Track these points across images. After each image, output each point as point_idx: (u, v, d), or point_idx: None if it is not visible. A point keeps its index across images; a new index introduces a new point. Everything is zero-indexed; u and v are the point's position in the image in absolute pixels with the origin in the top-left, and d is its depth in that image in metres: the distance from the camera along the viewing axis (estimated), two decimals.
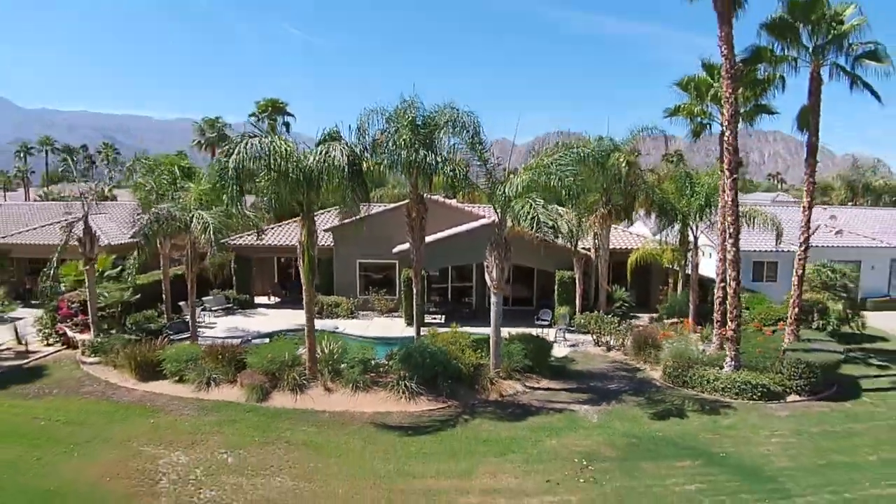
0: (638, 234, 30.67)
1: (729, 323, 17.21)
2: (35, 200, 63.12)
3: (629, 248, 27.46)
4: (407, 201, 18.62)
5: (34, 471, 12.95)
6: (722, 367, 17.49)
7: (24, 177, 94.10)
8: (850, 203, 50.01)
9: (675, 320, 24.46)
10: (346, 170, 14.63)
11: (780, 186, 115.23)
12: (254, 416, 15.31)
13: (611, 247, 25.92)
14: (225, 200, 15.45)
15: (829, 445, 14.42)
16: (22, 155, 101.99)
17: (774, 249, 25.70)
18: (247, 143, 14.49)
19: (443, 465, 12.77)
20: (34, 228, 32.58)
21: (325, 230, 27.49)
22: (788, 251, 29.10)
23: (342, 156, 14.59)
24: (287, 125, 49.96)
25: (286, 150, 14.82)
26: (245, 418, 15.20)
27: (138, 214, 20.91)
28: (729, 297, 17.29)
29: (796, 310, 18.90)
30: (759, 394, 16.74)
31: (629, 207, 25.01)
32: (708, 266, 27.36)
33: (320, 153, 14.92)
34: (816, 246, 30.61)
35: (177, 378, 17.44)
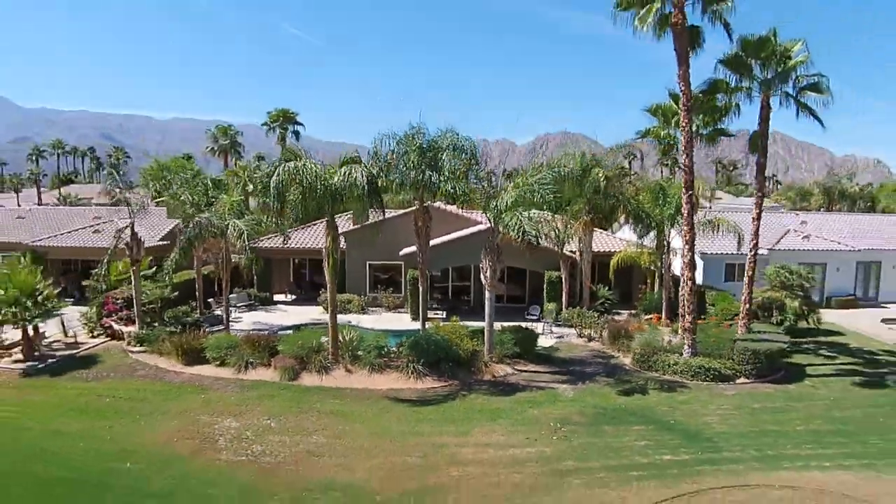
0: (623, 239, 33.69)
1: (686, 316, 20.31)
2: (56, 204, 66.12)
3: (612, 250, 30.49)
4: (411, 209, 21.67)
5: (108, 436, 15.69)
6: (681, 354, 20.57)
7: (37, 179, 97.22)
8: (821, 209, 53.17)
9: (650, 315, 27.52)
10: (365, 188, 17.71)
11: (776, 189, 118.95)
12: (288, 392, 18.39)
13: (596, 250, 29.01)
14: (265, 203, 18.54)
15: (765, 418, 17.35)
16: (34, 158, 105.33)
17: (741, 253, 28.50)
18: (284, 167, 17.60)
19: (445, 428, 15.89)
20: (67, 232, 35.45)
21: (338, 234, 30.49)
22: (758, 254, 32.16)
23: (362, 176, 17.69)
24: (297, 133, 53.12)
25: (316, 171, 17.91)
26: (280, 394, 18.27)
27: (183, 224, 23.78)
28: (686, 294, 20.37)
29: (747, 306, 21.98)
30: (712, 376, 19.80)
31: (610, 215, 28.05)
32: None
33: (344, 174, 18.01)
34: (786, 249, 33.72)
35: (218, 362, 20.48)
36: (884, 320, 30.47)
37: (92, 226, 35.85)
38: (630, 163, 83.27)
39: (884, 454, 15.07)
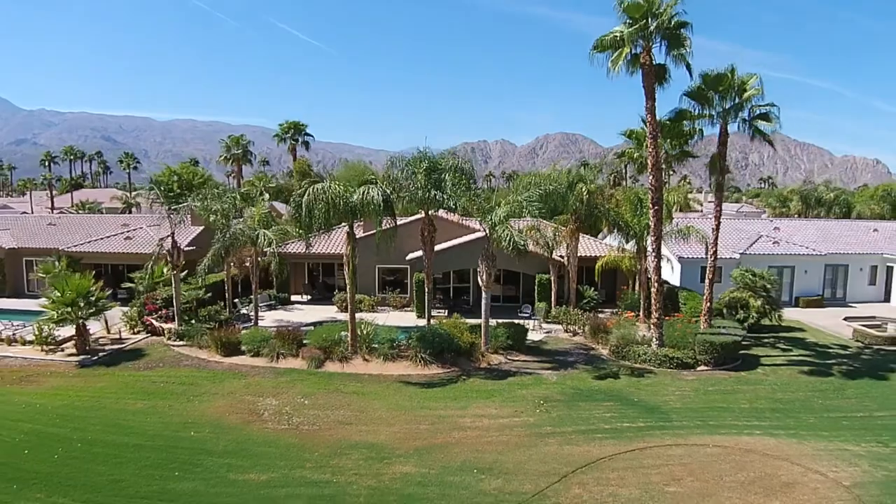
0: (608, 244, 37.04)
1: (654, 313, 23.73)
2: (74, 208, 69.35)
3: (597, 255, 33.87)
4: (416, 217, 24.94)
5: (169, 412, 18.87)
6: (650, 346, 23.96)
7: (50, 184, 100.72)
8: (798, 214, 56.68)
9: (630, 314, 30.89)
10: (381, 205, 21.15)
11: (773, 190, 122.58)
12: (315, 377, 21.80)
13: (582, 254, 32.38)
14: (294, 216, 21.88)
15: (715, 398, 20.60)
16: (47, 163, 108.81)
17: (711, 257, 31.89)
18: (314, 188, 21.05)
19: (448, 404, 19.37)
20: (100, 238, 38.70)
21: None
22: (731, 258, 35.57)
23: (378, 195, 21.11)
24: (307, 144, 56.57)
25: (339, 191, 21.35)
26: (309, 379, 21.67)
27: (220, 234, 27.02)
28: (653, 294, 23.79)
29: (709, 304, 25.37)
30: (675, 364, 23.17)
31: (594, 224, 31.43)
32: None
33: (362, 193, 21.42)
34: (757, 254, 37.08)
35: (253, 353, 23.86)
36: (845, 318, 33.44)
37: (122, 233, 39.13)
38: (625, 167, 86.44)
39: (812, 427, 18.12)
